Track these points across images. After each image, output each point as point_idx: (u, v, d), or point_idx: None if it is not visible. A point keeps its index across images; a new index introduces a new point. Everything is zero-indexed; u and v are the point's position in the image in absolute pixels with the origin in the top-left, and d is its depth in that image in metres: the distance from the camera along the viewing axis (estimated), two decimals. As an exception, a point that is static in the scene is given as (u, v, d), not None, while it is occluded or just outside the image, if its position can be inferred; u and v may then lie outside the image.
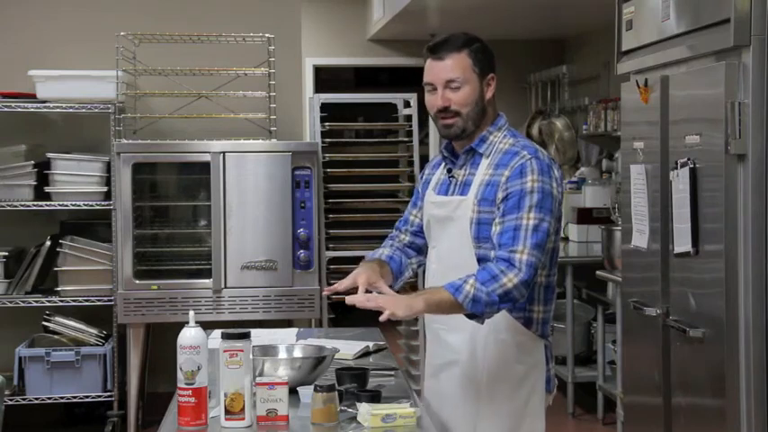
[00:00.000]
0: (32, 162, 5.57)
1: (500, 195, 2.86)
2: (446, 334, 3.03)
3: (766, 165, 3.07)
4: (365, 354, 3.46)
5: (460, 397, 2.98)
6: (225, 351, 2.65)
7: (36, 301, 5.55)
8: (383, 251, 3.17)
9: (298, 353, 3.13)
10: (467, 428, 2.96)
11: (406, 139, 6.02)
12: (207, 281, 5.44)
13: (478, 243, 2.88)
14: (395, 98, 6.16)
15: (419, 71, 3.08)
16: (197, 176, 5.56)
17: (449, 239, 2.97)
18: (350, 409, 2.73)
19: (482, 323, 2.82)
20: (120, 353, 5.55)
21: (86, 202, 5.57)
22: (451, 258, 2.94)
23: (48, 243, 5.63)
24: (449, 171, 3.03)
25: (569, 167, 8.08)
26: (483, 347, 2.93)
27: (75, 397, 5.49)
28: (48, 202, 5.56)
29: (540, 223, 2.81)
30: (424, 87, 2.99)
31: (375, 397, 2.79)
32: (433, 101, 2.95)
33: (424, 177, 3.17)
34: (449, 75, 2.92)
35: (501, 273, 2.74)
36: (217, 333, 3.10)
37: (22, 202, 5.55)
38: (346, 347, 3.42)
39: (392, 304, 2.76)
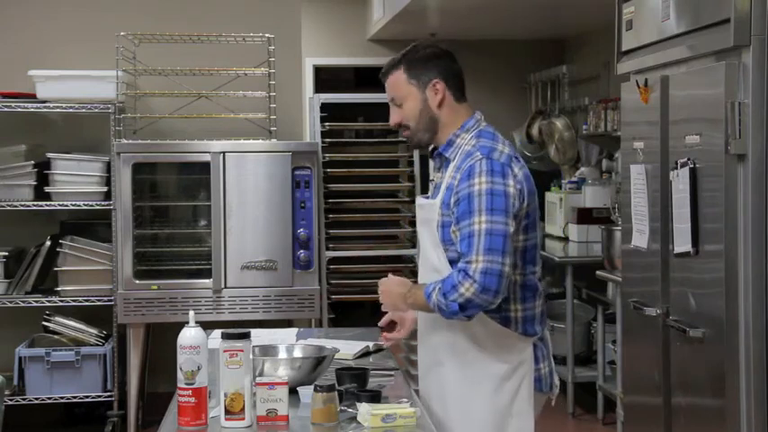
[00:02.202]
0: (32, 162, 5.57)
1: (453, 200, 2.87)
2: (428, 335, 3.07)
3: (766, 165, 3.07)
4: (365, 354, 3.46)
5: (447, 397, 3.00)
6: (225, 351, 2.65)
7: (36, 301, 5.55)
8: None
9: (298, 353, 3.14)
10: (453, 428, 2.98)
11: (405, 139, 6.01)
12: (207, 281, 5.44)
13: (445, 245, 2.92)
14: (395, 98, 6.15)
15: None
16: (197, 176, 5.56)
17: (426, 242, 3.02)
18: (350, 409, 2.73)
19: (468, 320, 2.86)
20: (120, 353, 5.55)
21: (86, 202, 5.57)
22: (430, 260, 2.99)
23: (48, 243, 5.63)
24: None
25: (569, 167, 8.08)
26: (463, 348, 2.94)
27: (75, 397, 5.49)
28: (48, 202, 5.56)
29: (491, 226, 2.78)
30: None
31: (375, 397, 2.79)
32: None
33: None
34: (390, 94, 3.04)
35: (459, 283, 2.77)
36: (217, 333, 3.10)
37: (22, 202, 5.55)
38: (346, 347, 3.42)
39: (384, 296, 3.04)
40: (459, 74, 3.03)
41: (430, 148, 3.11)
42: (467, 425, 2.95)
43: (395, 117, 3.04)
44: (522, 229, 2.89)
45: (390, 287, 3.03)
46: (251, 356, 2.70)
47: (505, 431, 2.95)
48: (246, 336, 2.69)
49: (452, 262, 2.89)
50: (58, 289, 5.55)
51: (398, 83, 3.00)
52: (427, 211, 3.00)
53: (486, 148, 2.89)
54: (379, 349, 3.52)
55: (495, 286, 2.76)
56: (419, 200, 3.13)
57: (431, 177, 3.13)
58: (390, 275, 3.09)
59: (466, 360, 2.94)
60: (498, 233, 2.78)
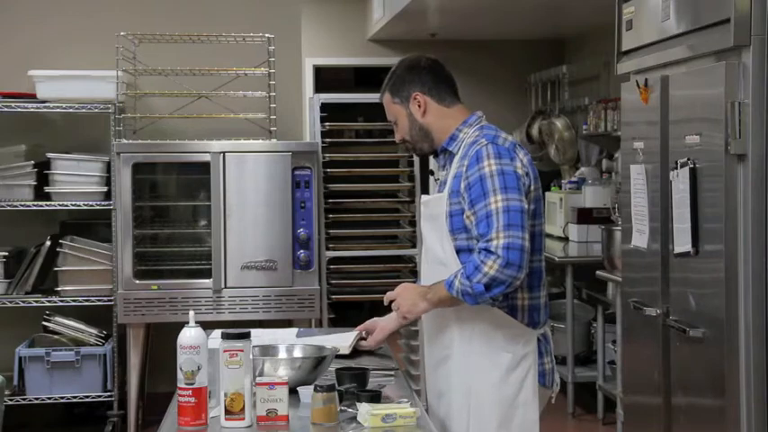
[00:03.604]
0: (32, 162, 5.57)
1: (463, 185, 2.93)
2: (436, 330, 3.11)
3: (766, 165, 3.07)
4: (360, 342, 3.41)
5: (454, 390, 3.04)
6: (225, 351, 2.65)
7: (36, 301, 5.55)
8: None
9: (298, 353, 3.14)
10: (461, 422, 3.01)
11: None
12: (207, 281, 5.43)
13: (454, 235, 2.97)
14: (395, 98, 6.14)
15: (419, 71, 3.13)
16: (197, 176, 5.55)
17: (432, 236, 3.07)
18: (350, 409, 2.73)
19: (493, 303, 2.90)
20: (120, 353, 5.55)
21: (86, 202, 5.57)
22: (436, 254, 3.04)
23: (48, 243, 5.63)
24: (431, 173, 3.17)
25: (569, 167, 8.08)
26: (469, 339, 3.00)
27: (75, 397, 5.49)
28: (48, 202, 5.56)
29: (508, 204, 2.85)
30: None
31: (375, 397, 2.79)
32: None
33: None
34: (388, 117, 3.19)
35: (481, 263, 2.83)
36: (217, 333, 3.10)
37: (22, 202, 5.55)
38: (338, 340, 3.39)
39: (401, 299, 3.06)
40: (444, 80, 3.12)
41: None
42: (473, 415, 2.98)
43: (397, 135, 3.19)
44: (529, 215, 2.93)
45: (407, 289, 3.09)
46: (251, 356, 2.70)
47: (511, 421, 2.99)
48: (246, 336, 2.69)
49: (460, 251, 2.95)
50: (58, 289, 5.55)
51: (387, 105, 3.16)
52: (433, 206, 3.06)
53: (490, 136, 2.98)
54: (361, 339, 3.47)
55: (519, 261, 2.81)
56: (424, 198, 3.21)
57: (436, 176, 3.18)
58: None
59: (473, 352, 2.99)
60: (516, 209, 2.85)
